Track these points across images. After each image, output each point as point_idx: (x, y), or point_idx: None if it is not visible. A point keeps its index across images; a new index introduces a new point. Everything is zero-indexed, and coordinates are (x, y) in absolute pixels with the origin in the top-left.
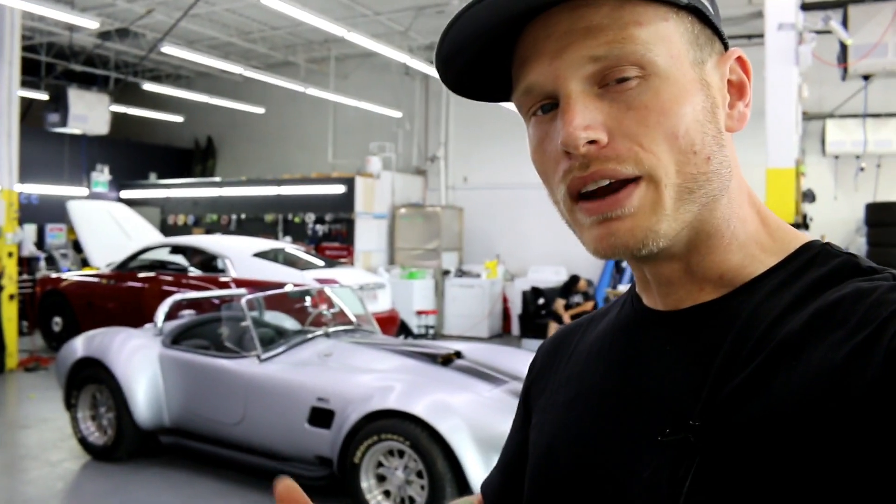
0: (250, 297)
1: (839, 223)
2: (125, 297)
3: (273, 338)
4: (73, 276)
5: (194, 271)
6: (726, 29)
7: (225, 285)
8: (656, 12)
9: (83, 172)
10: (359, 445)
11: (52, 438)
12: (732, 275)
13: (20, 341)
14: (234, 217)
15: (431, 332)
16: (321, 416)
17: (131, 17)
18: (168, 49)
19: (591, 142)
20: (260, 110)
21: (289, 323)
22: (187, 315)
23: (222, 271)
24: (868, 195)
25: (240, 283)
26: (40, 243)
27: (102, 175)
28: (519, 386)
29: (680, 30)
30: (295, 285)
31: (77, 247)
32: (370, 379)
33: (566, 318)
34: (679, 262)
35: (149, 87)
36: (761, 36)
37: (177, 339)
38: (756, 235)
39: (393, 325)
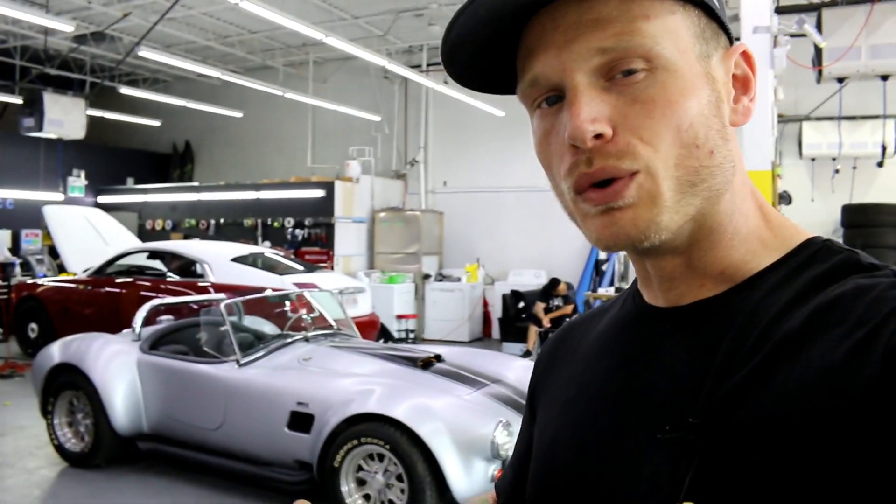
0: (229, 301)
1: (816, 225)
2: (102, 302)
3: (252, 342)
4: (50, 281)
5: (172, 276)
6: None
7: (204, 290)
8: (664, 6)
9: (59, 177)
10: (339, 449)
11: (28, 446)
12: (733, 270)
13: None
14: (212, 222)
15: (412, 336)
16: (301, 421)
17: (107, 21)
18: (145, 53)
19: (597, 136)
20: (238, 114)
21: (268, 328)
22: (165, 320)
23: (201, 276)
24: (844, 197)
25: (218, 287)
26: (15, 249)
27: (79, 180)
28: (499, 389)
29: (687, 23)
30: (274, 290)
31: (53, 252)
32: (350, 383)
33: (546, 321)
34: (681, 257)
35: (125, 91)
36: (738, 39)
37: (155, 345)
38: (758, 231)
39: (373, 329)
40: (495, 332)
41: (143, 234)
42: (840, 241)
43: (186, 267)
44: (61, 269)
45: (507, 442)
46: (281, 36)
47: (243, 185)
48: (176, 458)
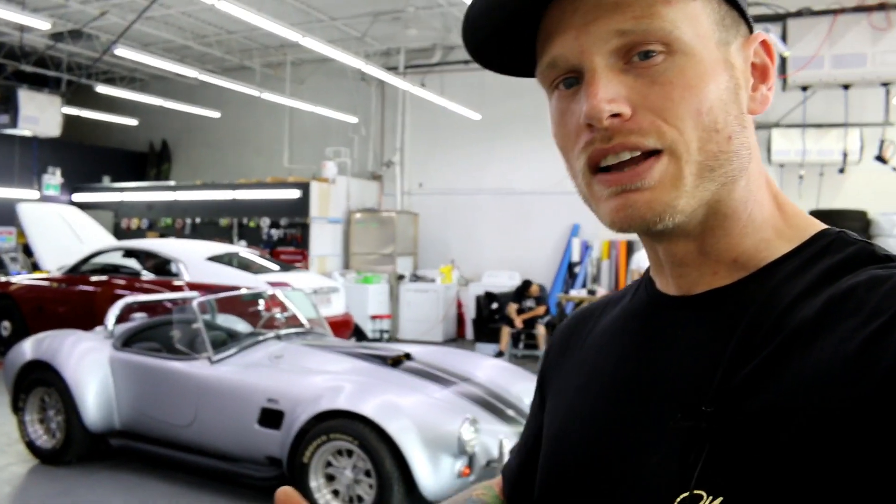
0: (202, 299)
1: None
2: (77, 301)
3: (225, 340)
4: (23, 279)
5: (147, 275)
6: None
7: (179, 289)
8: None
9: (34, 175)
10: (308, 445)
11: None
12: (746, 259)
13: None
14: (188, 221)
15: (386, 336)
16: (271, 417)
17: (84, 19)
18: (121, 52)
19: (615, 115)
20: (216, 114)
21: (241, 326)
22: (139, 318)
23: (176, 275)
24: (812, 202)
25: (193, 286)
26: None
27: (54, 178)
28: (468, 387)
29: (707, 10)
30: (248, 289)
31: (27, 250)
32: (320, 380)
33: (518, 322)
34: (693, 242)
35: (102, 89)
36: None
37: (128, 342)
38: (772, 220)
39: (347, 328)
40: (469, 332)
41: (119, 233)
42: None
43: (161, 266)
44: (35, 267)
45: (474, 438)
46: (259, 36)
47: (219, 185)
48: (148, 454)
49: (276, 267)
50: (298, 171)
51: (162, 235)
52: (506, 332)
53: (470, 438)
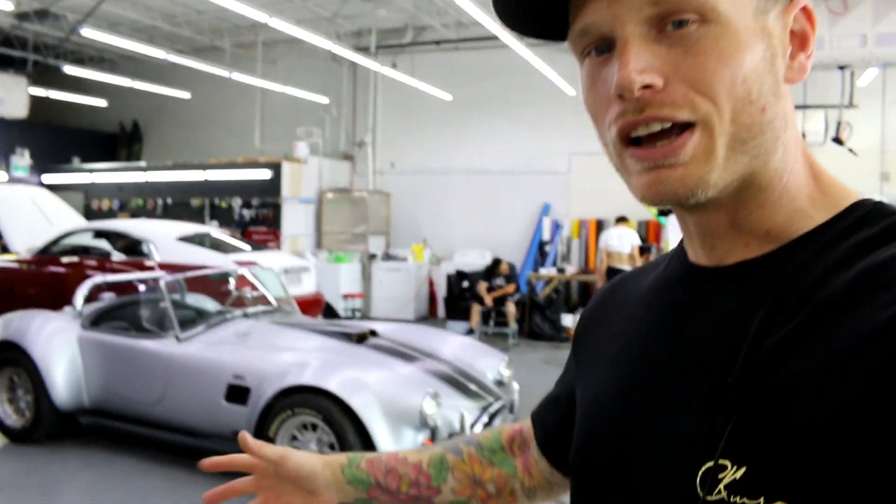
0: (169, 279)
1: None
2: (47, 282)
3: (194, 319)
4: None
5: (118, 256)
6: None
7: (149, 269)
8: None
9: (1, 156)
10: (273, 420)
11: None
12: (780, 230)
13: None
14: (160, 202)
15: (358, 314)
16: (238, 393)
17: None
18: (88, 32)
19: (647, 86)
20: (186, 95)
21: (210, 305)
22: (108, 298)
23: (147, 256)
24: None
25: (164, 267)
26: None
27: (23, 159)
28: (432, 363)
29: None
30: (215, 268)
31: None
32: (286, 357)
33: (488, 300)
34: (725, 214)
35: (70, 69)
36: None
37: (96, 322)
38: (807, 190)
39: (318, 307)
40: (441, 311)
41: (90, 214)
42: None
43: (132, 246)
44: (5, 249)
45: (435, 412)
46: (229, 17)
47: (191, 165)
48: (117, 431)
49: (247, 247)
50: (270, 151)
51: (133, 216)
52: (476, 309)
53: (432, 412)
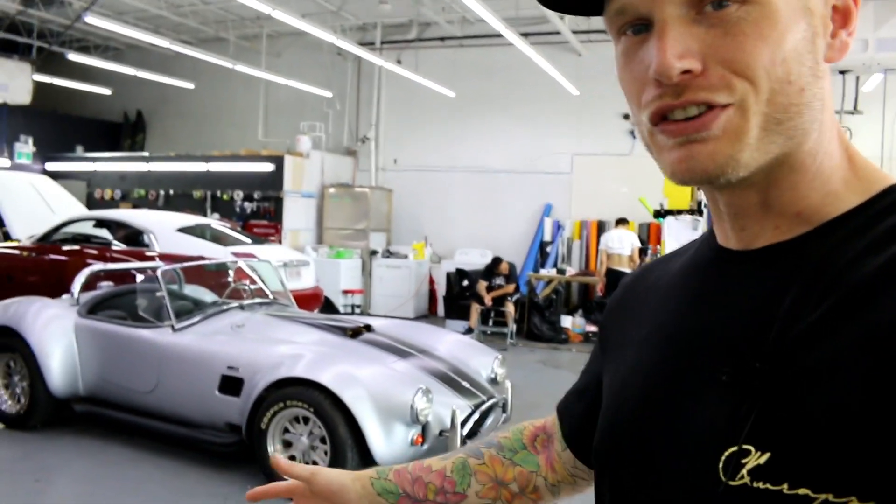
0: (166, 268)
1: None
2: (48, 270)
3: (191, 310)
4: None
5: (118, 245)
6: None
7: (150, 259)
8: None
9: (4, 143)
10: (266, 412)
11: None
12: (811, 212)
13: None
14: (161, 193)
15: (358, 310)
16: (231, 384)
17: None
18: (92, 19)
19: (685, 71)
20: (189, 85)
21: (208, 297)
22: (105, 287)
23: (147, 246)
24: None
25: (164, 257)
26: None
27: (26, 146)
28: (426, 360)
29: None
30: (211, 259)
31: None
32: (279, 349)
33: (488, 299)
34: (757, 194)
35: (74, 57)
36: None
37: (93, 310)
38: (841, 172)
39: (316, 302)
40: (441, 309)
41: (92, 203)
42: None
43: (133, 236)
44: (6, 236)
45: (427, 408)
46: (234, 8)
47: (193, 157)
48: (111, 420)
49: (247, 240)
50: (273, 144)
51: (135, 206)
52: (475, 309)
53: (423, 408)
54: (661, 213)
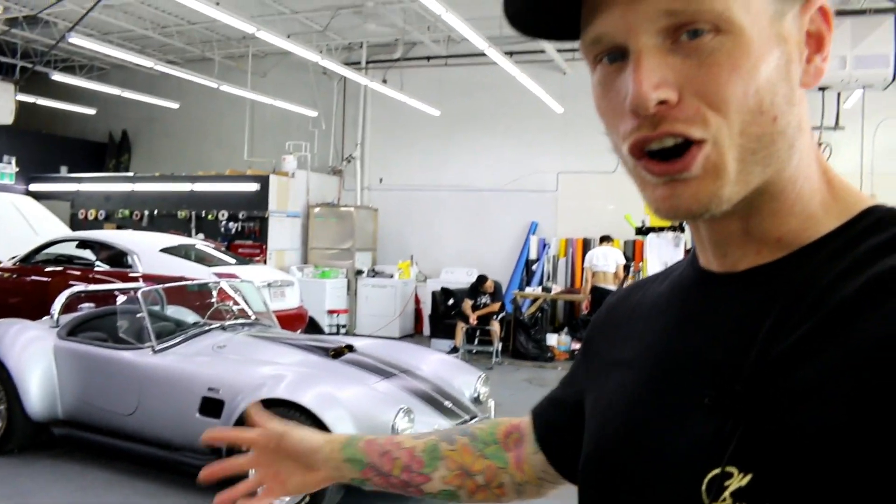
0: (146, 289)
1: None
2: (30, 291)
3: (172, 331)
4: None
5: (101, 266)
6: None
7: (133, 280)
8: None
9: None
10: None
11: None
12: (792, 237)
13: None
14: (146, 213)
15: (343, 330)
16: (211, 406)
17: (41, 5)
18: (76, 40)
19: (661, 102)
20: (174, 105)
21: (190, 317)
22: (87, 308)
23: (130, 267)
24: None
25: (147, 278)
26: None
27: (9, 167)
28: (408, 379)
29: None
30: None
31: None
32: (260, 370)
33: (473, 318)
34: (738, 222)
35: (58, 77)
36: None
37: (73, 331)
38: (819, 196)
39: (301, 322)
40: (427, 328)
41: (76, 224)
42: None
43: (116, 257)
44: None
45: (408, 428)
46: (220, 28)
47: (178, 177)
48: (90, 443)
49: (232, 260)
50: (258, 164)
51: (119, 227)
52: (461, 328)
53: (404, 428)
54: (642, 230)
